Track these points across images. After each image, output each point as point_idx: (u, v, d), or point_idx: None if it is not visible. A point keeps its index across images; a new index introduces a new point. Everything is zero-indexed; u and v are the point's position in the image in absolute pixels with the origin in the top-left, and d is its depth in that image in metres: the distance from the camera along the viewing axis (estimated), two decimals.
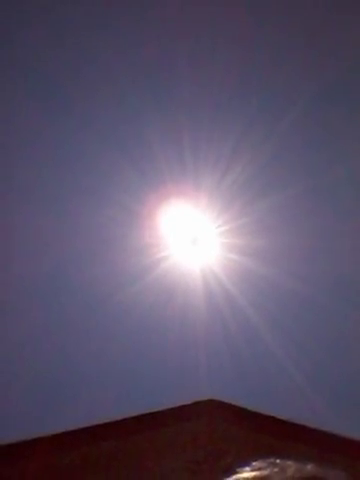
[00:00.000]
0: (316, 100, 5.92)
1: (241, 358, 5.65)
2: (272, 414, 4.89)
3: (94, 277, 5.53)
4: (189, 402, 5.16)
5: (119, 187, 5.60)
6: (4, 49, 5.53)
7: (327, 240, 5.86)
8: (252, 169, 5.70)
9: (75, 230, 5.66)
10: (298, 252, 5.82)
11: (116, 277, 5.58)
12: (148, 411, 4.74)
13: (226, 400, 4.96)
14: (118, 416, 4.69)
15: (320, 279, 5.78)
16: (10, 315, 5.77)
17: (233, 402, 4.94)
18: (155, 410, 4.74)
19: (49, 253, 5.64)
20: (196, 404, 5.01)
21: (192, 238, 5.67)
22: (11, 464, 4.88)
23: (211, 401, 4.95)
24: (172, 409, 4.78)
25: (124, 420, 4.69)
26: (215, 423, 4.78)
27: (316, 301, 5.74)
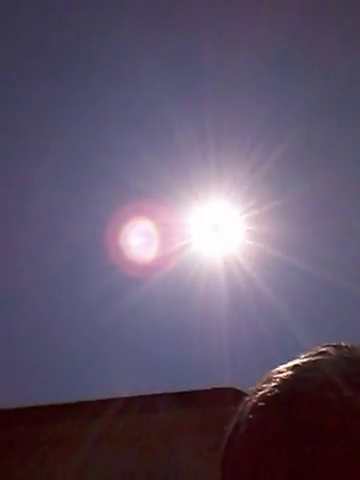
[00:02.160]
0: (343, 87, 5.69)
1: (265, 347, 5.56)
2: None
3: (117, 264, 5.63)
4: (208, 387, 5.14)
5: (139, 172, 5.63)
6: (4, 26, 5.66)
7: (356, 227, 5.60)
8: (281, 152, 5.54)
9: (95, 215, 5.78)
10: (327, 239, 5.59)
11: (138, 265, 5.64)
12: (162, 391, 4.77)
13: (247, 388, 4.90)
14: (132, 394, 4.77)
15: (350, 267, 5.54)
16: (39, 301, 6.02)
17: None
18: (167, 392, 4.77)
19: (71, 240, 5.80)
20: (212, 390, 4.97)
21: (215, 225, 5.59)
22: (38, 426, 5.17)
23: (229, 389, 4.90)
24: (183, 393, 4.79)
25: (139, 397, 4.75)
26: (225, 410, 4.72)
27: (345, 290, 5.52)
